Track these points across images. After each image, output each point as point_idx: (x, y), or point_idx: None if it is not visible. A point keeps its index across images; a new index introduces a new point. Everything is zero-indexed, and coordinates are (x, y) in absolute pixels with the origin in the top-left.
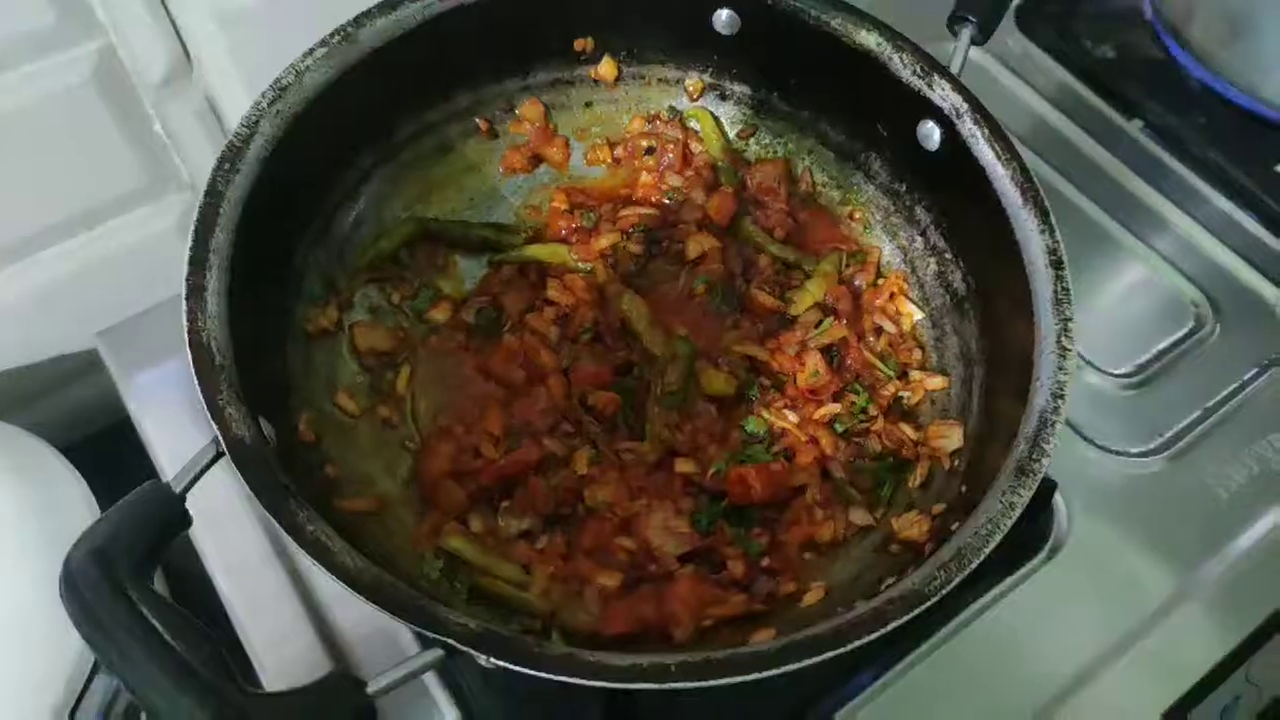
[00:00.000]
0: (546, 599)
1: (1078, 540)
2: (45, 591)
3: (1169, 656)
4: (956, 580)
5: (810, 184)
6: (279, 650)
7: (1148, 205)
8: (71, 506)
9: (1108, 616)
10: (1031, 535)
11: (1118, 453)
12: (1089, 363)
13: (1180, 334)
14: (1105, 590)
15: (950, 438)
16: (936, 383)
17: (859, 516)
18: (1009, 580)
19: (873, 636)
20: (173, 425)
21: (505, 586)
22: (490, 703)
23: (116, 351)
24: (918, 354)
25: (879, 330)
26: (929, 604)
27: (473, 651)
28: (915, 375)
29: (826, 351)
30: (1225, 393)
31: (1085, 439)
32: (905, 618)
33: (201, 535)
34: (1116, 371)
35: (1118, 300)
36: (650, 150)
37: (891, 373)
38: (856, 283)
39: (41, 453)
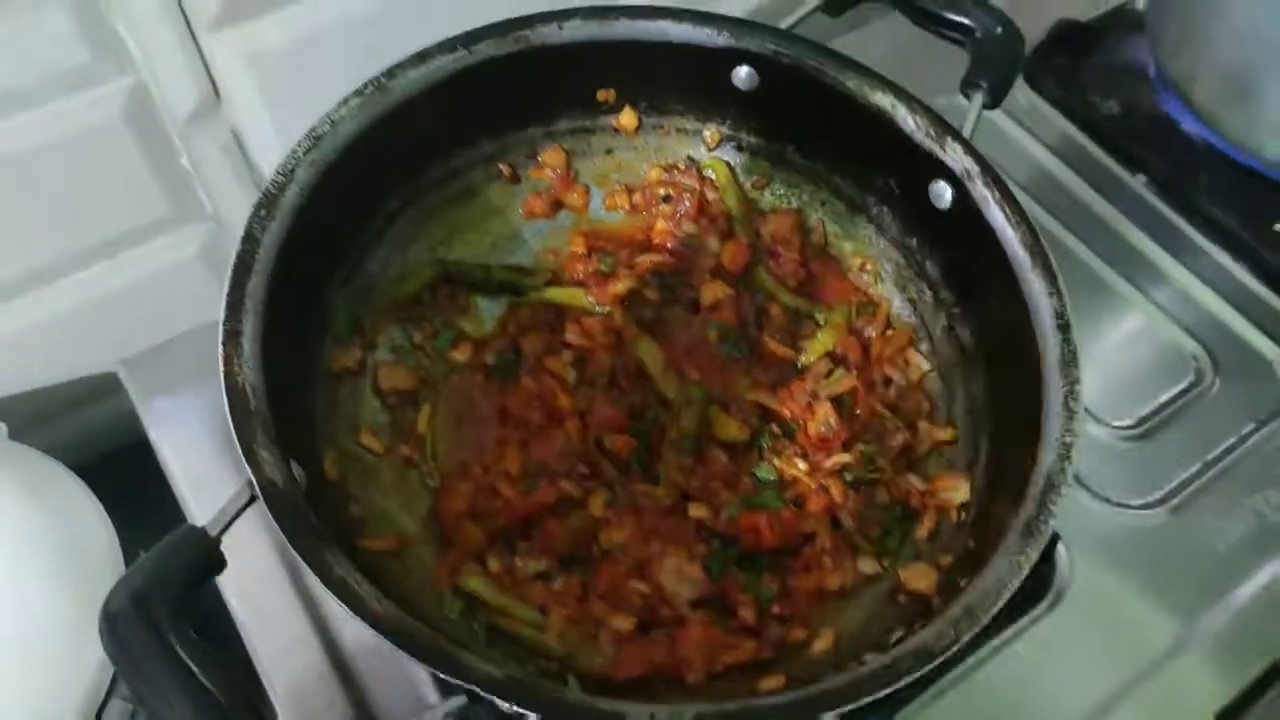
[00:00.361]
0: (563, 641)
1: (1080, 590)
2: (59, 612)
3: (1169, 706)
4: (966, 638)
5: (823, 235)
6: (301, 694)
7: (1149, 258)
8: (86, 528)
9: (1109, 665)
10: (1034, 585)
11: (1119, 504)
12: (1091, 414)
13: (1181, 387)
14: (1107, 640)
15: (958, 490)
16: (944, 434)
17: (867, 565)
18: (1012, 630)
19: (886, 691)
20: (193, 453)
21: (522, 628)
22: None
23: (138, 379)
24: (926, 405)
25: (888, 381)
26: (939, 661)
27: (497, 699)
28: (923, 426)
29: (836, 401)
30: (1224, 447)
31: (1088, 490)
32: (917, 673)
33: (226, 578)
34: (1118, 423)
35: (1119, 352)
36: (667, 199)
37: (900, 423)
38: (866, 334)
39: (57, 474)
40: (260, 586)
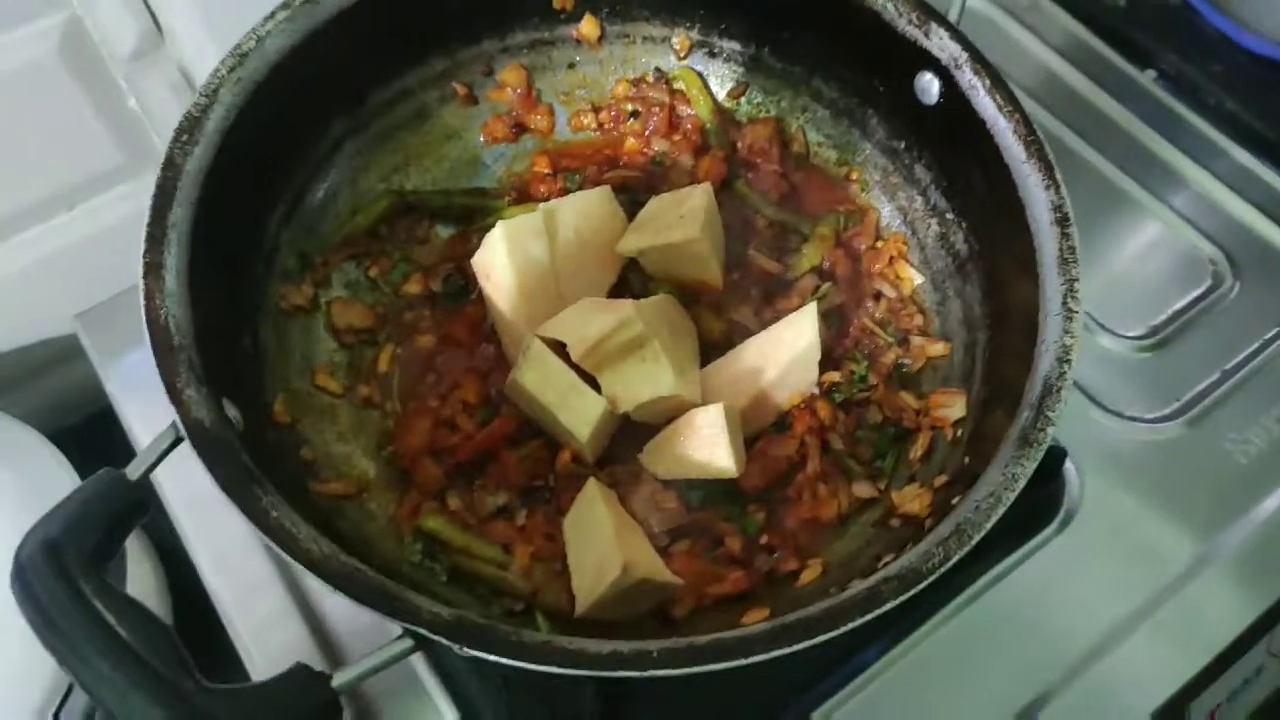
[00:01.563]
0: (528, 579)
1: (1090, 509)
2: None
3: (1187, 628)
4: (956, 558)
5: (804, 144)
6: (267, 640)
7: (1162, 160)
8: (60, 493)
9: (1123, 588)
10: (1042, 505)
11: (1132, 418)
12: (1101, 325)
13: (1197, 293)
14: (1120, 561)
15: (953, 406)
16: (938, 349)
17: (862, 489)
18: (1020, 552)
19: (866, 618)
20: (152, 407)
21: (485, 567)
22: (482, 690)
23: (95, 333)
24: (919, 319)
25: (878, 295)
26: (926, 583)
27: (445, 641)
28: (916, 341)
29: (825, 317)
30: (1245, 354)
31: (1098, 404)
32: (901, 598)
33: (185, 522)
34: (1130, 334)
35: (1131, 260)
36: (635, 114)
37: (892, 339)
38: (855, 245)
39: (28, 438)
40: (219, 527)
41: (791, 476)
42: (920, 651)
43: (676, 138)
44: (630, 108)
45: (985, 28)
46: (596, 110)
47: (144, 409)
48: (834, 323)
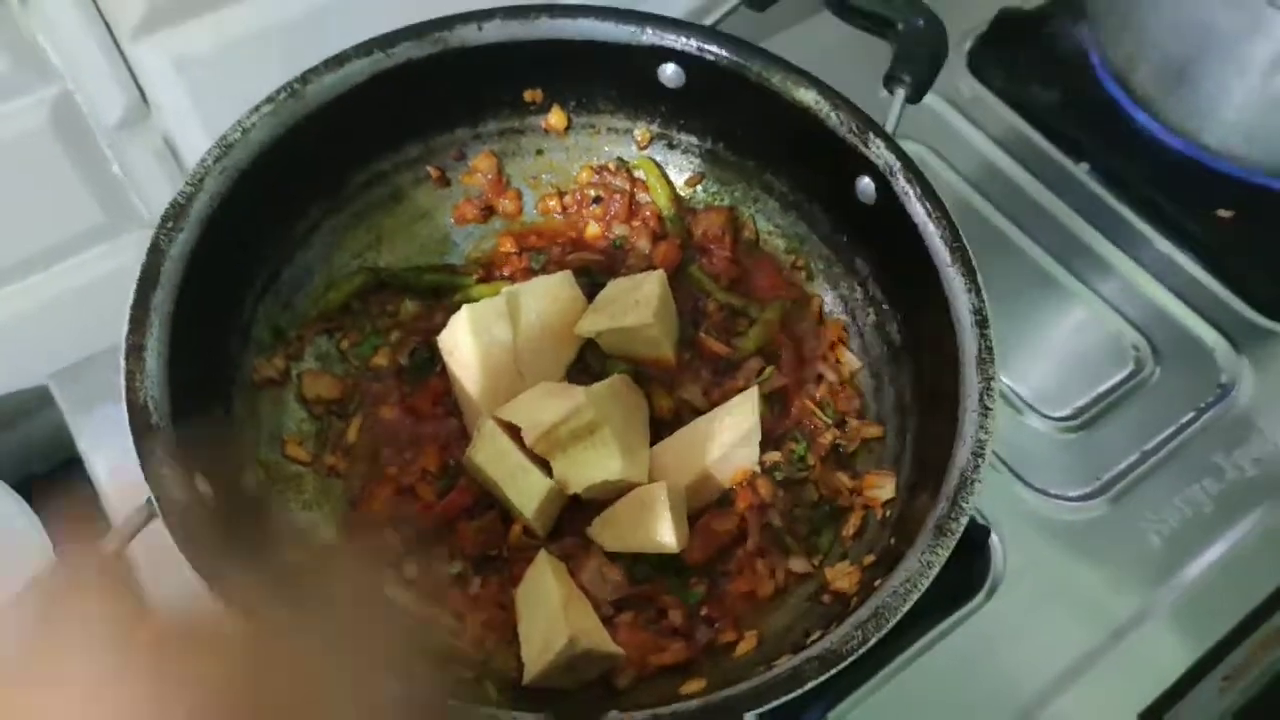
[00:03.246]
0: (478, 647)
1: (1017, 581)
2: None
3: (1106, 694)
4: (873, 640)
5: (754, 232)
6: None
7: (1092, 249)
8: (24, 542)
9: (1047, 654)
10: (969, 577)
11: (1056, 496)
12: (1030, 406)
13: (1120, 377)
14: (1044, 630)
15: (884, 488)
16: (873, 430)
17: (798, 564)
18: (950, 620)
19: (789, 697)
20: (122, 464)
21: (440, 634)
22: None
23: (69, 390)
24: (856, 402)
25: (819, 378)
26: (845, 664)
27: None
28: (853, 424)
29: (767, 399)
30: (1162, 437)
31: (1024, 481)
32: (821, 678)
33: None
34: (1056, 415)
35: (1060, 344)
36: (598, 200)
37: (830, 420)
38: (799, 330)
39: None
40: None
41: (732, 551)
42: (857, 714)
43: (635, 223)
44: (594, 193)
45: (929, 118)
46: (561, 195)
47: (113, 466)
48: (776, 404)
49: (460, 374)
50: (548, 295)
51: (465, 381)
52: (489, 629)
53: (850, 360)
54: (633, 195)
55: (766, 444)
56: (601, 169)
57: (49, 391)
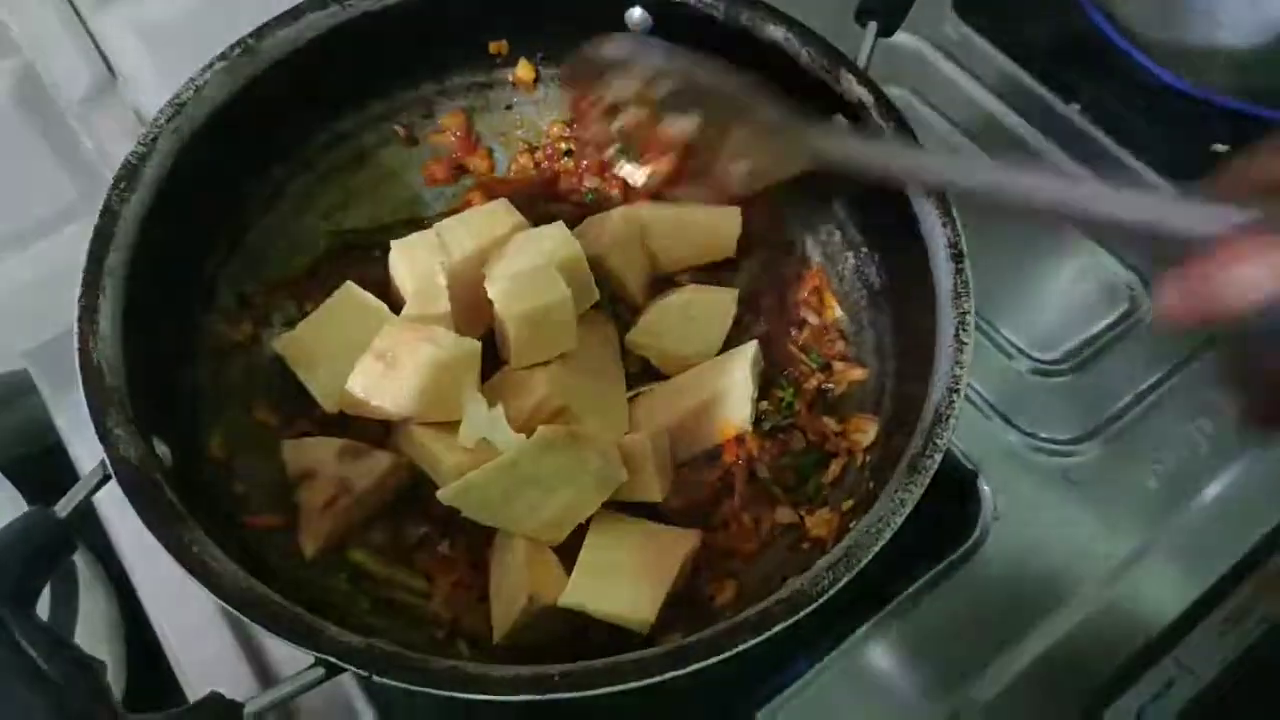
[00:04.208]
0: (448, 607)
1: (1009, 527)
2: None
3: (1099, 641)
4: (843, 581)
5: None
6: (203, 667)
7: None
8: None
9: (1036, 603)
10: (959, 524)
11: (1049, 440)
12: (1020, 350)
13: (1113, 317)
14: (1035, 578)
15: (867, 432)
16: (858, 374)
17: (784, 515)
18: (940, 567)
19: (756, 641)
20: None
21: (408, 596)
22: (410, 703)
23: (44, 369)
24: (840, 345)
25: (803, 323)
26: (814, 606)
27: (353, 668)
28: (839, 366)
29: None
30: (1156, 377)
31: (1015, 427)
32: (790, 620)
33: (128, 552)
34: (1047, 358)
35: (1052, 286)
36: (569, 153)
37: (815, 364)
38: (781, 274)
39: None
40: (159, 557)
41: (715, 502)
42: (852, 660)
43: (608, 174)
44: (565, 146)
45: (915, 61)
46: (533, 150)
47: (91, 443)
48: (760, 350)
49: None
50: (483, 224)
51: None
52: (460, 588)
53: (833, 304)
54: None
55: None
56: (572, 122)
57: (28, 377)
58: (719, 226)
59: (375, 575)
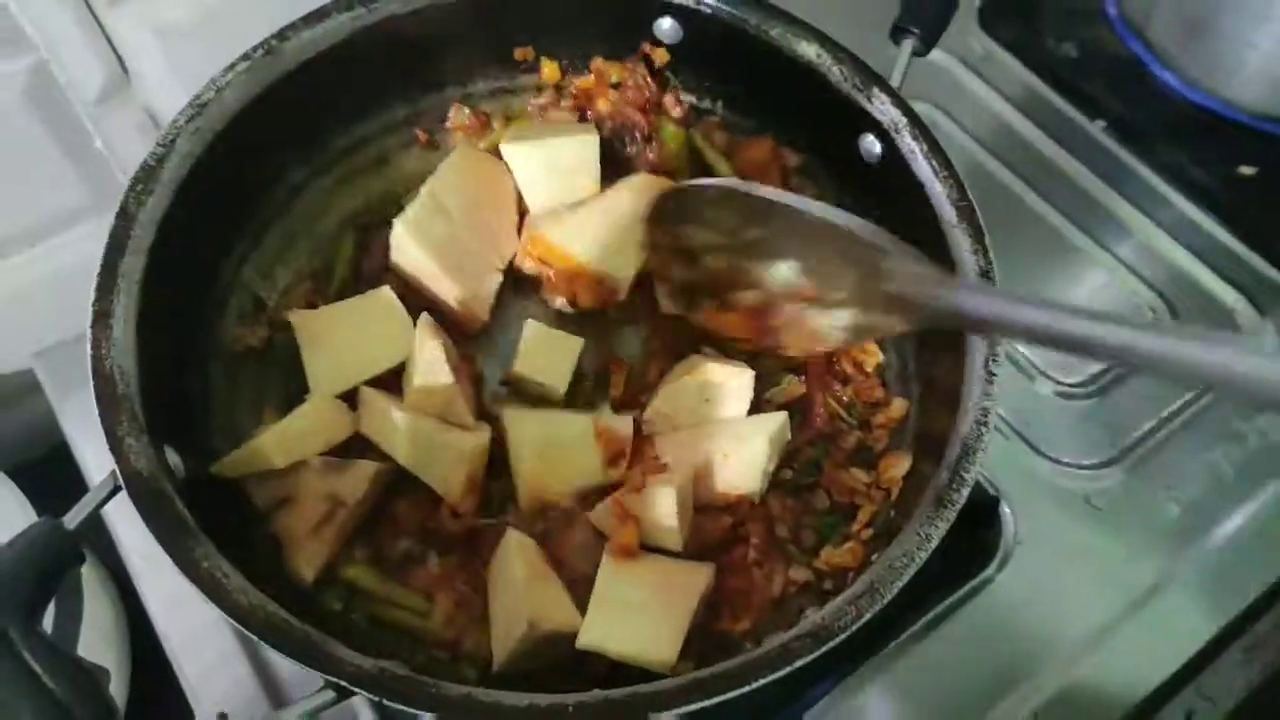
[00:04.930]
0: (449, 627)
1: (1029, 553)
2: None
3: (1120, 671)
4: (867, 615)
5: (796, 161)
6: (212, 682)
7: (1108, 208)
8: (11, 525)
9: (1058, 630)
10: (981, 547)
11: (1070, 464)
12: (1042, 371)
13: None
14: (1056, 604)
15: (900, 465)
16: (898, 409)
17: (800, 574)
18: (960, 593)
19: (777, 675)
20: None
21: (406, 616)
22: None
23: (53, 372)
24: (879, 393)
25: (846, 378)
26: (837, 641)
27: (365, 693)
28: (879, 419)
29: (784, 408)
30: (1181, 402)
31: (1037, 451)
32: (812, 655)
33: (136, 563)
34: (1070, 380)
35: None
36: (616, 86)
37: (854, 422)
38: None
39: None
40: (167, 569)
41: (729, 547)
42: (871, 686)
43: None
44: (614, 78)
45: (939, 76)
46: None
47: (99, 449)
48: (796, 414)
49: (428, 284)
50: (467, 176)
51: (433, 286)
52: (460, 609)
53: (875, 351)
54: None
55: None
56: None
57: (35, 377)
58: None
59: (372, 593)
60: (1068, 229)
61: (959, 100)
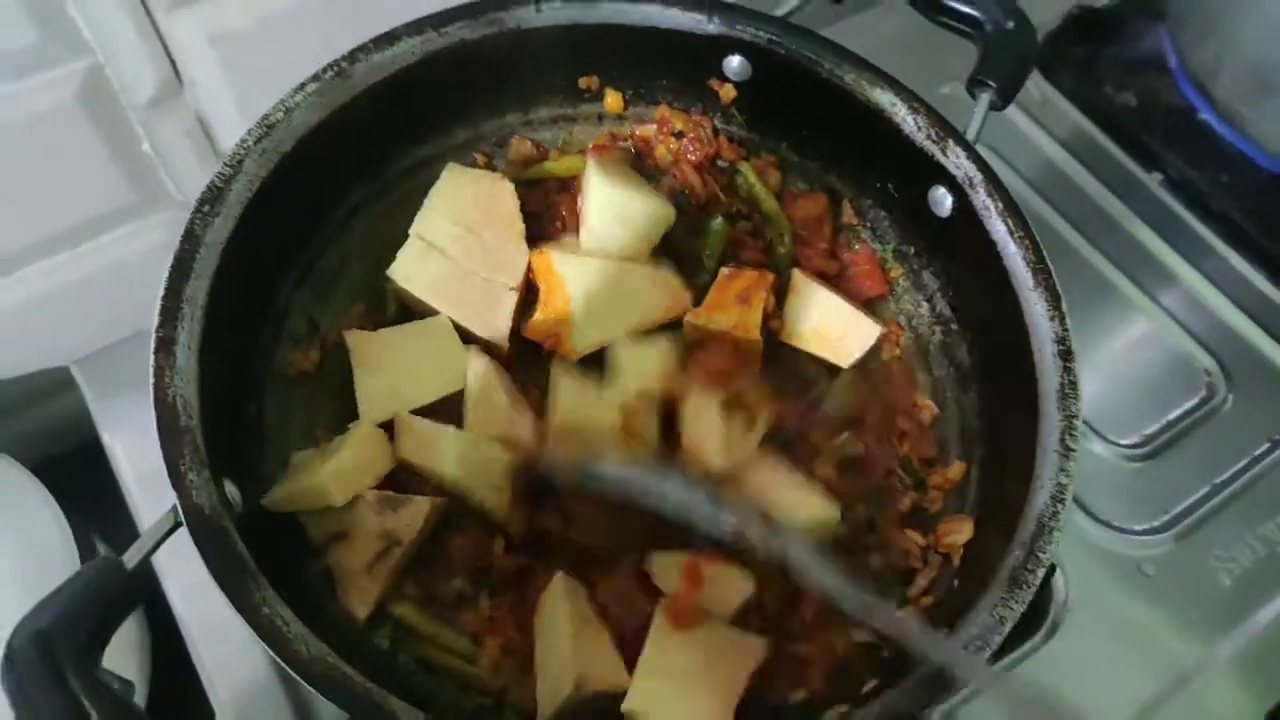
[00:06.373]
0: (496, 675)
1: (1077, 620)
2: (6, 616)
3: None
4: (940, 703)
5: (854, 217)
6: (244, 703)
7: (1162, 262)
8: (43, 526)
9: (1106, 699)
10: (1030, 613)
11: (1121, 529)
12: (1095, 431)
13: (1192, 403)
14: (1103, 673)
15: (962, 532)
16: (956, 471)
17: (860, 634)
18: (1007, 659)
19: None
20: (146, 457)
21: (453, 659)
22: None
23: (92, 378)
24: (934, 450)
25: (903, 435)
26: None
27: None
28: (935, 478)
29: (840, 465)
30: (1235, 469)
31: (1087, 512)
32: None
33: (182, 609)
34: (1124, 442)
35: (1128, 364)
36: (679, 135)
37: (910, 481)
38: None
39: (10, 471)
40: (205, 594)
41: (785, 610)
42: None
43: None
44: (678, 125)
45: (994, 120)
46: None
47: (136, 455)
48: (850, 471)
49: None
50: (459, 203)
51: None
52: (506, 655)
53: (929, 404)
54: (716, 155)
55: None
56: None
57: (70, 373)
58: None
59: (420, 632)
60: (1120, 280)
61: (1011, 143)
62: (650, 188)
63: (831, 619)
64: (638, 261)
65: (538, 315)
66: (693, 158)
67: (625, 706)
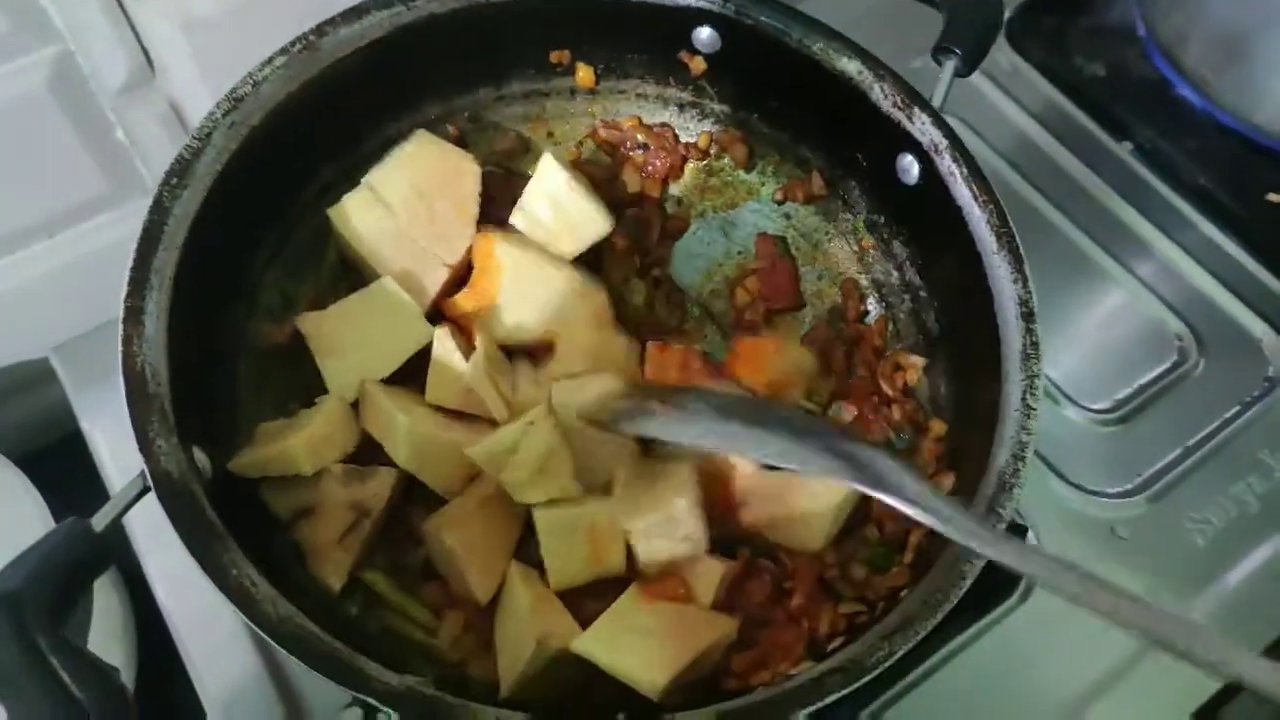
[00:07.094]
0: (456, 649)
1: None
2: None
3: (1143, 702)
4: (900, 653)
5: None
6: (231, 691)
7: (1133, 230)
8: (25, 518)
9: (1081, 661)
10: (1004, 577)
11: (1094, 492)
12: (1068, 397)
13: (1163, 368)
14: (1077, 635)
15: (943, 486)
16: (938, 428)
17: (849, 607)
18: (983, 622)
19: (811, 709)
20: (124, 441)
21: (415, 631)
22: None
23: (70, 366)
24: (919, 413)
25: (889, 401)
26: (870, 677)
27: (393, 712)
28: (927, 441)
29: None
30: (1206, 432)
31: (1060, 476)
32: (845, 690)
33: (154, 573)
34: (1096, 406)
35: (1099, 330)
36: (644, 147)
37: (906, 444)
38: (846, 335)
39: None
40: (189, 581)
41: (770, 604)
42: (890, 714)
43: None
44: (641, 138)
45: (964, 91)
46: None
47: (115, 443)
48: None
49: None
50: (418, 169)
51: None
52: (467, 632)
53: (914, 363)
54: (684, 159)
55: None
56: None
57: (50, 364)
58: None
59: (387, 601)
60: (1091, 249)
61: (982, 115)
62: (599, 200)
63: (820, 604)
64: (561, 258)
65: (461, 294)
66: (656, 168)
67: (575, 646)
